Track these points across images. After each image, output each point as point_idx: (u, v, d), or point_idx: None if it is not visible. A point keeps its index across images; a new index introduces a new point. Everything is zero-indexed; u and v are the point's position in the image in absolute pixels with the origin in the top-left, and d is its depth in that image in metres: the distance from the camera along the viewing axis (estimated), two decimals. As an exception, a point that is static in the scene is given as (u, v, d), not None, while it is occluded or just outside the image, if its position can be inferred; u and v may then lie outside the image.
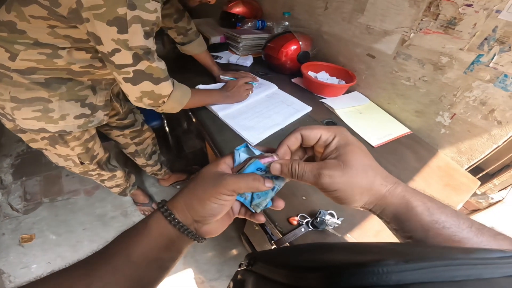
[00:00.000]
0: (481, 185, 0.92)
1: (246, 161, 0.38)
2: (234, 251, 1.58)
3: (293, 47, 1.28)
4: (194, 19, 1.67)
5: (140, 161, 1.52)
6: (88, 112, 0.89)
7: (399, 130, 1.08)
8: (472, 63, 0.86)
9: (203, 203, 0.34)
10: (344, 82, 1.25)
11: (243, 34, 1.46)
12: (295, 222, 0.68)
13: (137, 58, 0.67)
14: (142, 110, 1.37)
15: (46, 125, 0.83)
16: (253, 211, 0.39)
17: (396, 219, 0.33)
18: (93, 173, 1.19)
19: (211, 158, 1.86)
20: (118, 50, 0.64)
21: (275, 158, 0.37)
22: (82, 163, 1.06)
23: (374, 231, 0.70)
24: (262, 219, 0.40)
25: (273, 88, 1.21)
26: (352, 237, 0.67)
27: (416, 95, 1.05)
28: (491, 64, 0.81)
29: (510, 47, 0.76)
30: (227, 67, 1.37)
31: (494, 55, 0.80)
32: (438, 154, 1.01)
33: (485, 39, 0.81)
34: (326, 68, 1.31)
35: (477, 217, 1.00)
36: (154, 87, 0.74)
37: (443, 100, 0.97)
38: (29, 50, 0.70)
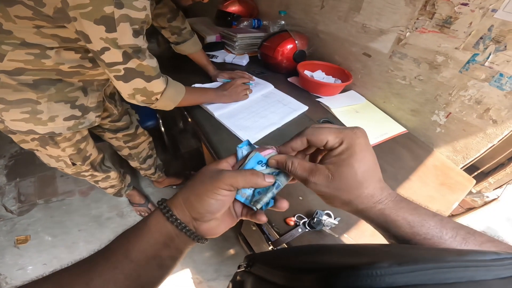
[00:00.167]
0: (476, 183, 0.93)
1: (247, 155, 0.38)
2: (232, 251, 1.58)
3: (289, 46, 1.27)
4: (190, 18, 1.66)
5: (133, 164, 1.51)
6: (79, 113, 0.88)
7: (395, 129, 1.09)
8: (468, 62, 0.86)
9: (201, 198, 0.33)
10: (340, 81, 1.25)
11: (239, 33, 1.45)
12: (292, 223, 0.68)
13: (127, 57, 0.66)
14: (137, 110, 1.35)
15: (35, 126, 0.82)
16: (254, 208, 0.37)
17: (378, 227, 0.34)
18: (86, 174, 1.17)
19: (207, 158, 1.85)
20: (108, 49, 0.63)
21: (275, 149, 0.38)
22: (74, 164, 1.05)
23: (371, 231, 0.70)
24: (264, 219, 0.39)
25: (269, 87, 1.20)
26: (349, 237, 0.67)
27: (412, 94, 1.06)
28: (486, 63, 0.82)
29: (505, 46, 0.76)
30: (223, 66, 1.37)
31: (490, 54, 0.80)
32: (433, 153, 1.01)
33: (481, 38, 0.81)
34: (322, 67, 1.31)
35: (473, 215, 1.01)
36: (146, 84, 0.74)
37: (439, 99, 0.97)
38: (17, 50, 0.69)
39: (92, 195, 1.77)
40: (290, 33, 1.28)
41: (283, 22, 1.45)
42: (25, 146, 0.93)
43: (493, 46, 0.79)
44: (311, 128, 0.35)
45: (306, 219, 0.68)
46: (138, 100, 0.78)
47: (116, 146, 1.36)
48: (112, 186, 1.39)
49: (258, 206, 0.37)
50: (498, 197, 0.94)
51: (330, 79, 1.28)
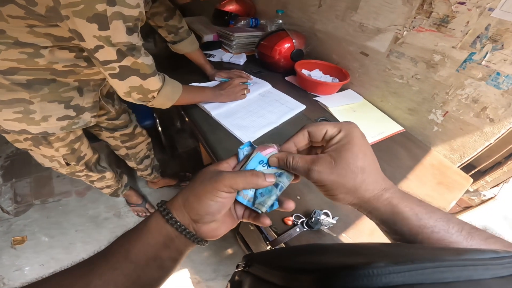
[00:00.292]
0: (473, 182, 0.93)
1: (248, 155, 0.37)
2: (230, 251, 1.58)
3: (287, 45, 1.27)
4: (187, 17, 1.65)
5: (130, 164, 1.50)
6: (73, 114, 0.88)
7: (392, 128, 1.09)
8: (465, 61, 0.86)
9: (200, 200, 0.33)
10: (337, 80, 1.25)
11: (236, 32, 1.44)
12: (290, 222, 0.68)
13: (121, 54, 0.66)
14: (133, 109, 1.34)
15: (28, 126, 0.82)
16: (258, 211, 0.37)
17: (383, 222, 0.33)
18: (81, 174, 1.16)
19: (205, 158, 1.85)
20: (101, 47, 0.63)
21: (275, 148, 0.37)
22: (68, 164, 1.05)
23: (369, 230, 0.70)
24: (267, 222, 0.39)
25: (266, 86, 1.20)
26: (347, 237, 0.67)
27: (409, 93, 1.06)
28: (483, 62, 0.82)
29: (502, 45, 0.76)
30: (220, 66, 1.36)
31: (487, 53, 0.80)
32: (431, 152, 1.02)
33: (478, 37, 0.81)
34: (320, 66, 1.31)
35: (470, 214, 1.01)
36: (141, 81, 0.74)
37: (436, 98, 0.97)
38: (10, 49, 0.68)
39: (89, 196, 1.76)
40: (288, 32, 1.28)
41: (280, 21, 1.45)
42: (18, 145, 0.92)
43: (490, 45, 0.79)
44: (311, 123, 0.37)
45: (304, 219, 0.68)
46: (135, 98, 0.78)
47: (113, 146, 1.35)
48: (108, 186, 1.38)
49: (263, 210, 0.36)
50: (495, 195, 0.94)
51: (327, 78, 1.28)
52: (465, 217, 1.02)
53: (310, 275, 0.21)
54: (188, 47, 1.16)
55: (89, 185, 1.34)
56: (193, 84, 1.12)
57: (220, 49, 1.52)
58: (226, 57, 1.43)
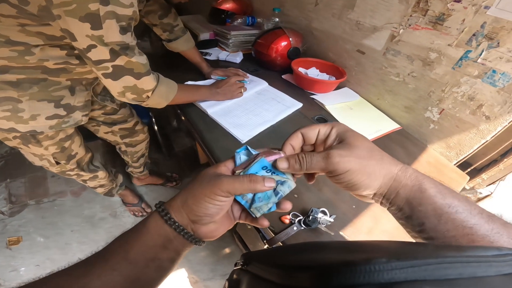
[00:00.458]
0: (469, 180, 0.94)
1: (252, 159, 0.37)
2: (227, 250, 1.57)
3: (283, 43, 1.26)
4: (183, 16, 1.64)
5: (126, 158, 1.49)
6: (63, 113, 0.87)
7: (389, 126, 1.09)
8: (460, 59, 0.86)
9: (198, 202, 0.33)
10: (334, 78, 1.25)
11: (232, 30, 1.44)
12: (287, 221, 0.68)
13: (114, 54, 0.65)
14: (131, 106, 1.33)
15: (16, 125, 0.81)
16: (253, 215, 0.37)
17: (409, 203, 0.31)
18: (71, 173, 1.15)
19: (202, 157, 1.85)
20: (94, 46, 0.62)
21: (282, 154, 0.37)
22: (58, 162, 1.03)
23: (366, 229, 0.70)
24: (266, 223, 0.39)
25: (263, 84, 1.19)
26: (344, 235, 0.67)
27: (405, 91, 1.06)
28: (479, 60, 0.82)
29: (498, 43, 0.77)
30: (217, 64, 1.35)
31: (482, 51, 0.80)
32: (427, 150, 1.02)
33: (473, 35, 0.81)
34: (317, 64, 1.31)
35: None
36: (136, 81, 0.73)
37: (432, 96, 0.98)
38: (1, 48, 0.68)
39: (84, 196, 1.74)
40: (284, 30, 1.27)
41: (277, 19, 1.45)
42: (8, 143, 0.92)
43: (486, 43, 0.79)
44: (303, 126, 0.38)
45: (301, 217, 0.68)
46: (129, 98, 0.77)
47: (113, 142, 1.33)
48: (101, 186, 1.37)
49: (258, 215, 0.37)
50: (491, 193, 0.95)
51: (324, 76, 1.28)
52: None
53: (308, 272, 0.20)
54: (183, 45, 1.15)
55: (84, 185, 1.32)
56: (189, 82, 1.11)
57: (216, 48, 1.51)
58: (223, 55, 1.43)
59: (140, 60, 0.71)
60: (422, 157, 0.98)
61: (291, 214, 0.69)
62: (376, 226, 0.71)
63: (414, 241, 0.34)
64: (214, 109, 0.99)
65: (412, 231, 0.33)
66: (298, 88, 1.24)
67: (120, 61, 0.67)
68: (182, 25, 1.14)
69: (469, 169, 0.98)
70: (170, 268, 0.36)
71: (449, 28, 0.86)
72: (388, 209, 0.34)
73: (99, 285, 0.30)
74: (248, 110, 1.03)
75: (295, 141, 0.38)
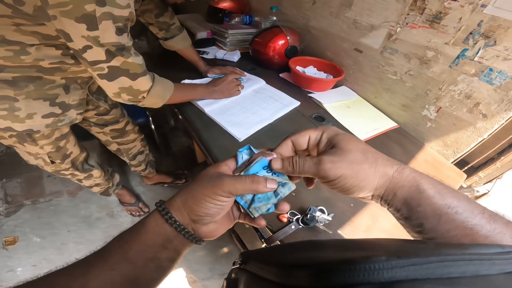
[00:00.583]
0: (466, 178, 0.94)
1: (252, 158, 0.37)
2: (225, 249, 1.57)
3: (281, 42, 1.26)
4: (180, 15, 1.63)
5: (124, 158, 1.48)
6: (59, 111, 0.87)
7: (386, 124, 1.09)
8: (457, 57, 0.86)
9: (199, 202, 0.33)
10: (332, 76, 1.25)
11: (230, 29, 1.43)
12: (285, 220, 0.67)
13: (110, 55, 0.65)
14: (125, 106, 1.32)
15: (12, 124, 0.81)
16: (251, 215, 0.37)
17: (406, 204, 0.30)
18: (66, 172, 1.14)
19: (199, 156, 1.84)
20: (90, 47, 0.62)
21: (275, 155, 0.37)
22: (53, 162, 1.03)
23: (364, 227, 0.70)
24: (263, 223, 0.39)
25: (260, 83, 1.19)
26: (342, 233, 0.67)
27: (403, 89, 1.06)
28: (476, 58, 0.82)
29: (495, 42, 0.77)
30: (214, 63, 1.35)
31: (479, 49, 0.81)
32: (424, 148, 1.02)
33: (470, 33, 0.81)
34: (314, 63, 1.31)
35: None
36: (131, 82, 0.72)
37: (429, 94, 0.98)
38: None
39: (81, 195, 1.73)
40: (282, 28, 1.27)
41: (274, 18, 1.44)
42: (4, 142, 0.91)
43: (483, 41, 0.80)
44: (292, 133, 0.37)
45: (299, 216, 0.67)
46: (124, 99, 0.77)
47: (104, 141, 1.33)
48: (97, 185, 1.36)
49: (256, 215, 0.37)
50: (488, 191, 0.95)
51: (321, 75, 1.28)
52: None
53: (306, 271, 0.20)
54: (180, 44, 1.15)
55: (80, 184, 1.31)
56: (186, 81, 1.10)
57: (213, 46, 1.50)
58: (220, 54, 1.42)
59: (136, 60, 0.71)
60: (419, 155, 0.98)
61: (289, 212, 0.68)
62: (374, 224, 0.71)
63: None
64: (211, 107, 0.98)
65: (412, 231, 0.32)
66: (296, 87, 1.24)
67: (116, 62, 0.67)
68: (179, 23, 1.14)
69: (466, 167, 0.98)
70: (170, 267, 0.35)
71: (446, 27, 0.86)
72: (387, 209, 0.34)
73: (98, 284, 0.30)
74: (246, 108, 1.02)
75: (284, 149, 0.37)
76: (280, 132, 0.95)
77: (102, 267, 0.31)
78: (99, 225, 1.61)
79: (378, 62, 1.11)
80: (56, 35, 0.68)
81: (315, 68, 1.30)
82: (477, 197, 0.98)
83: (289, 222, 0.67)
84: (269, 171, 0.36)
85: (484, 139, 0.88)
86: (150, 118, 1.62)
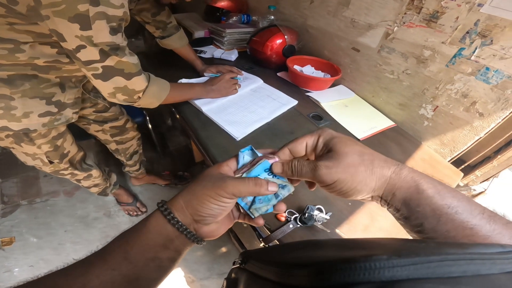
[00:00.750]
0: (463, 177, 0.95)
1: (255, 161, 0.37)
2: (224, 249, 1.57)
3: (279, 41, 1.26)
4: (178, 14, 1.63)
5: (119, 158, 1.47)
6: (55, 110, 0.86)
7: (383, 123, 1.09)
8: (454, 56, 0.87)
9: (202, 202, 0.33)
10: (329, 75, 1.25)
11: (228, 28, 1.43)
12: (283, 219, 0.67)
13: (104, 54, 0.64)
14: (122, 106, 1.32)
15: (9, 123, 0.80)
16: (251, 215, 0.38)
17: (406, 205, 0.30)
18: (65, 172, 1.14)
19: (197, 155, 1.83)
20: (83, 47, 0.62)
21: (277, 159, 0.37)
22: (51, 162, 1.02)
23: (362, 226, 0.70)
24: (261, 222, 0.39)
25: (258, 82, 1.19)
26: (340, 232, 0.67)
27: (400, 88, 1.06)
28: (472, 57, 0.83)
29: (491, 41, 0.77)
30: (212, 62, 1.34)
31: (476, 48, 0.81)
32: (421, 147, 1.03)
33: (467, 32, 0.82)
34: (312, 62, 1.31)
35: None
36: (126, 82, 0.72)
37: (426, 93, 0.98)
38: None
39: (78, 195, 1.72)
40: (280, 28, 1.27)
41: (272, 17, 1.44)
42: (0, 143, 0.90)
43: (479, 41, 0.80)
44: (289, 141, 0.38)
45: (297, 215, 0.67)
46: (120, 99, 0.77)
47: (103, 140, 1.32)
48: (96, 185, 1.35)
49: (256, 215, 0.37)
50: (485, 190, 0.96)
51: (319, 74, 1.28)
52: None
53: (306, 270, 0.20)
54: (176, 42, 1.14)
55: (77, 184, 1.31)
56: (183, 80, 1.10)
57: (211, 46, 1.50)
58: (218, 53, 1.42)
59: (131, 60, 0.70)
60: (416, 154, 0.98)
61: (286, 211, 0.68)
62: (373, 223, 0.71)
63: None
64: (209, 106, 0.98)
65: (411, 231, 0.32)
66: (293, 86, 1.24)
67: (110, 61, 0.66)
68: (175, 22, 1.13)
69: (463, 166, 0.99)
70: (170, 267, 0.35)
71: (443, 26, 0.87)
72: (387, 209, 0.34)
73: (98, 284, 0.30)
74: (243, 107, 1.02)
75: (282, 158, 0.38)
76: (277, 131, 0.95)
77: (103, 267, 0.31)
78: (96, 225, 1.60)
79: (375, 61, 1.11)
80: (50, 34, 0.68)
81: (313, 67, 1.30)
82: (474, 196, 0.99)
83: (287, 221, 0.67)
84: (270, 174, 0.37)
85: (480, 137, 0.89)
86: (147, 118, 1.61)
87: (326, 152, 0.34)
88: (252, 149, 0.39)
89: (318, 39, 1.34)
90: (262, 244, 0.68)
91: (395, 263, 0.16)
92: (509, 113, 0.81)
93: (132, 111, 1.39)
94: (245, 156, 0.38)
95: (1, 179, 1.76)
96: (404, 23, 0.96)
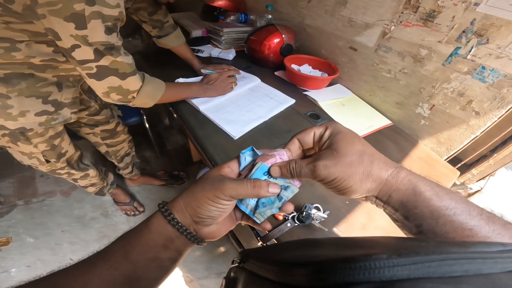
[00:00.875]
0: (460, 175, 0.95)
1: (253, 163, 0.37)
2: (222, 249, 1.57)
3: (276, 40, 1.26)
4: (175, 13, 1.62)
5: (111, 160, 1.47)
6: (52, 109, 0.86)
7: (380, 121, 1.10)
8: (450, 55, 0.87)
9: (201, 204, 0.33)
10: (327, 74, 1.25)
11: (225, 27, 1.42)
12: (280, 217, 0.67)
13: (99, 54, 0.64)
14: (119, 105, 1.31)
15: (5, 122, 0.80)
16: (257, 220, 0.37)
17: (403, 206, 0.31)
18: (62, 172, 1.13)
19: (194, 155, 1.83)
20: (78, 46, 0.62)
21: (277, 158, 0.37)
22: (48, 161, 1.01)
23: (360, 224, 0.70)
24: (268, 226, 0.39)
25: (256, 81, 1.19)
26: (338, 231, 0.67)
27: (397, 87, 1.07)
28: (468, 57, 0.83)
29: (487, 40, 0.78)
30: (209, 61, 1.34)
31: (472, 47, 0.81)
32: (418, 145, 1.03)
33: (463, 31, 0.82)
34: (309, 61, 1.31)
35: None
36: (121, 82, 0.72)
37: (423, 92, 0.99)
38: None
39: (74, 195, 1.71)
40: (277, 27, 1.27)
41: (270, 16, 1.44)
42: None
43: (475, 40, 0.80)
44: (298, 132, 0.38)
45: (295, 213, 0.67)
46: (114, 98, 0.76)
47: (94, 143, 1.31)
48: (92, 185, 1.35)
49: (262, 220, 0.37)
50: (481, 188, 0.96)
51: (317, 73, 1.28)
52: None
53: (304, 269, 0.19)
54: (173, 42, 1.14)
55: (74, 184, 1.30)
56: (180, 79, 1.10)
57: (209, 45, 1.50)
58: (215, 52, 1.41)
59: (126, 60, 0.70)
60: (413, 153, 0.99)
61: (284, 210, 0.68)
62: (370, 222, 0.71)
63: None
64: (206, 105, 0.98)
65: (410, 234, 0.32)
66: (291, 85, 1.24)
67: (105, 61, 0.66)
68: (172, 21, 1.13)
69: (459, 165, 0.99)
70: (171, 267, 0.36)
71: (439, 25, 0.87)
72: (384, 211, 0.34)
73: (99, 284, 0.30)
74: (241, 106, 1.02)
75: (292, 147, 0.38)
76: (275, 129, 0.95)
77: (104, 266, 0.31)
78: (93, 225, 1.59)
79: (372, 60, 1.11)
80: (45, 32, 0.68)
81: (310, 66, 1.31)
82: (470, 194, 0.99)
83: (285, 220, 0.67)
84: (270, 177, 0.36)
85: (477, 136, 0.89)
86: (145, 117, 1.60)
87: (328, 146, 0.33)
88: (253, 150, 0.39)
89: (316, 38, 1.34)
90: (260, 243, 0.68)
91: (395, 263, 0.16)
92: (505, 112, 0.81)
93: (129, 110, 1.39)
94: (246, 157, 0.38)
95: (-3, 179, 1.75)
96: (401, 22, 0.96)
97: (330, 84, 1.25)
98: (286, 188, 0.37)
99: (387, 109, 1.14)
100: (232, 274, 0.33)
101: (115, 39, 0.66)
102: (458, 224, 0.28)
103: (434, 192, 0.29)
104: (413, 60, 0.97)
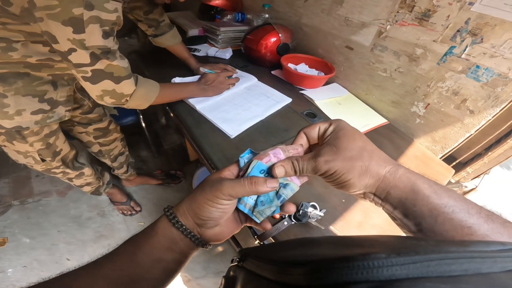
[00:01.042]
0: (455, 173, 0.96)
1: (248, 164, 0.37)
2: (220, 248, 1.57)
3: (273, 39, 1.26)
4: (172, 12, 1.62)
5: (105, 161, 1.46)
6: (47, 107, 0.86)
7: (376, 120, 1.10)
8: (445, 54, 0.88)
9: (201, 206, 0.34)
10: (323, 73, 1.25)
11: (222, 26, 1.42)
12: (277, 216, 0.68)
13: (95, 58, 0.65)
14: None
15: (1, 120, 0.80)
16: (256, 220, 0.37)
17: (402, 204, 0.31)
18: (57, 171, 1.12)
19: (191, 154, 1.83)
20: (74, 50, 0.62)
21: (271, 156, 0.36)
22: (43, 160, 1.01)
23: (357, 223, 0.71)
24: (268, 227, 0.39)
25: (252, 80, 1.19)
26: (335, 229, 0.68)
27: (392, 86, 1.07)
28: (463, 56, 0.84)
29: (482, 39, 0.79)
30: (206, 60, 1.34)
31: (466, 46, 0.82)
32: (414, 144, 1.04)
33: (458, 31, 0.83)
34: (306, 60, 1.31)
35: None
36: (115, 86, 0.72)
37: (418, 91, 0.99)
38: None
39: (70, 195, 1.70)
40: (274, 26, 1.27)
41: (267, 15, 1.44)
42: None
43: (470, 39, 0.81)
44: (305, 126, 0.39)
45: (291, 211, 0.68)
46: (107, 102, 0.77)
47: (86, 142, 1.30)
48: (88, 184, 1.34)
49: (261, 219, 0.37)
50: (476, 187, 0.97)
51: (313, 72, 1.29)
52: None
53: (302, 268, 0.19)
54: (170, 41, 1.14)
55: (70, 184, 1.29)
56: (177, 79, 1.09)
57: (205, 44, 1.49)
58: (212, 51, 1.41)
59: (121, 63, 0.71)
60: (409, 151, 0.99)
61: (281, 208, 0.69)
62: (366, 220, 0.72)
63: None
64: (203, 104, 0.98)
65: (408, 232, 0.32)
66: (288, 84, 1.24)
67: (100, 65, 0.67)
68: (168, 20, 1.12)
69: (454, 163, 1.00)
70: (176, 269, 0.36)
71: (434, 24, 0.88)
72: (383, 209, 0.34)
73: (106, 284, 0.30)
74: (237, 105, 1.02)
75: (300, 141, 0.39)
76: (272, 128, 0.95)
77: (110, 267, 0.32)
78: (90, 225, 1.58)
79: (368, 59, 1.12)
80: (41, 33, 0.68)
81: (307, 65, 1.31)
82: (465, 192, 1.00)
83: (282, 218, 0.67)
84: (266, 175, 0.36)
85: (471, 134, 0.90)
86: (141, 116, 1.60)
87: (329, 141, 0.34)
88: (251, 152, 0.39)
89: (312, 37, 1.34)
90: (257, 242, 0.68)
91: (394, 262, 0.16)
92: (499, 111, 0.82)
93: (125, 110, 1.38)
94: (245, 161, 0.38)
95: (-8, 179, 1.74)
96: (396, 21, 0.97)
97: (327, 83, 1.26)
98: (285, 186, 0.36)
99: (383, 108, 1.14)
100: (231, 273, 0.33)
101: (111, 43, 0.66)
102: (457, 222, 0.28)
103: (433, 190, 0.29)
104: (409, 59, 0.98)
